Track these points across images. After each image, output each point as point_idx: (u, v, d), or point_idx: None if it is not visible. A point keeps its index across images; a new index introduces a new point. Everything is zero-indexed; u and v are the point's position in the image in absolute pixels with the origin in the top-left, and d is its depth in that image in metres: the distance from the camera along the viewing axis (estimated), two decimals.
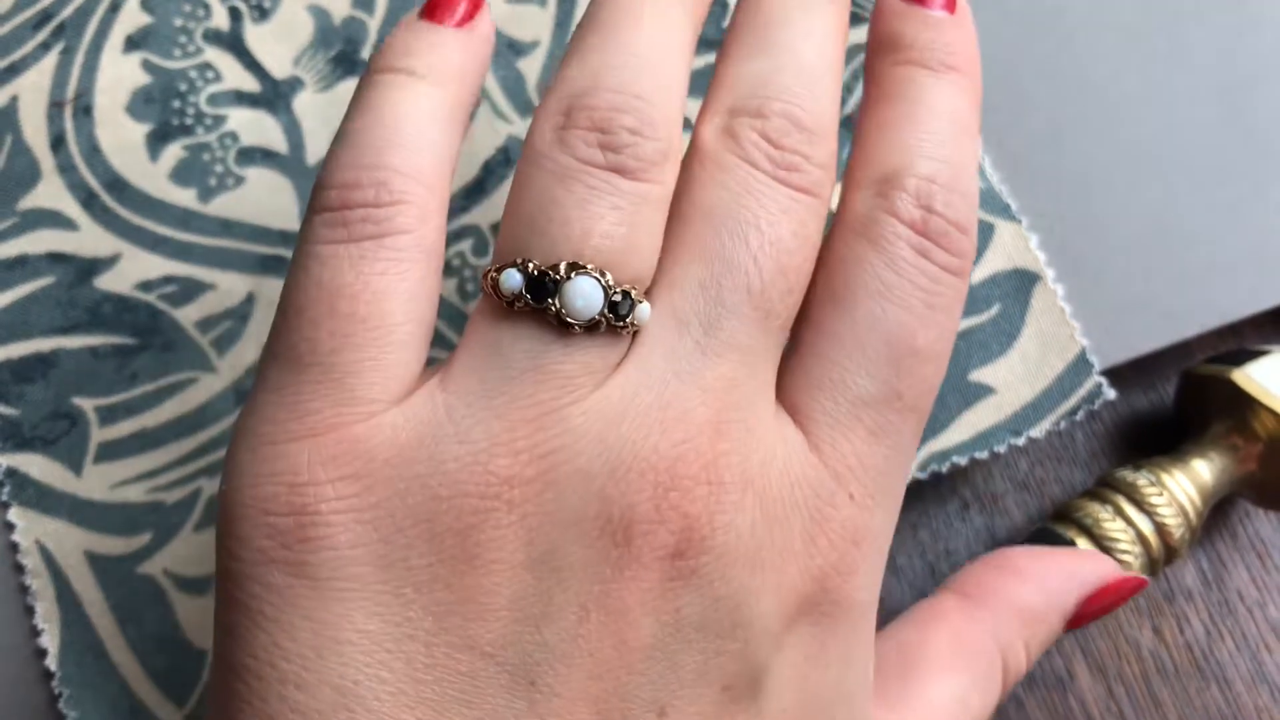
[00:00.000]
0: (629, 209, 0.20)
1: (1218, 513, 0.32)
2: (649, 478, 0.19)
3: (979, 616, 0.24)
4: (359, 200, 0.20)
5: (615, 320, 0.20)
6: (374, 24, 0.31)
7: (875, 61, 0.24)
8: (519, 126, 0.31)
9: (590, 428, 0.19)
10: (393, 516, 0.19)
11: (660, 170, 0.21)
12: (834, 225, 0.22)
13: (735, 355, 0.20)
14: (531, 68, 0.31)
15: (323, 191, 0.21)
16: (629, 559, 0.19)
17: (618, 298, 0.20)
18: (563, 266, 0.20)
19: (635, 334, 0.20)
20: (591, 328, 0.20)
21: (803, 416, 0.21)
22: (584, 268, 0.20)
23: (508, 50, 0.31)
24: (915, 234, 0.21)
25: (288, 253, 0.29)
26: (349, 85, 0.31)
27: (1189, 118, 0.32)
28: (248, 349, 0.29)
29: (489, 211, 0.30)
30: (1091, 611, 0.25)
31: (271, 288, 0.29)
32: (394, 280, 0.20)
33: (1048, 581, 0.25)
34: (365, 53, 0.31)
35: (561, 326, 0.20)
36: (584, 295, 0.19)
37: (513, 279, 0.20)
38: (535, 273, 0.20)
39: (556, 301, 0.20)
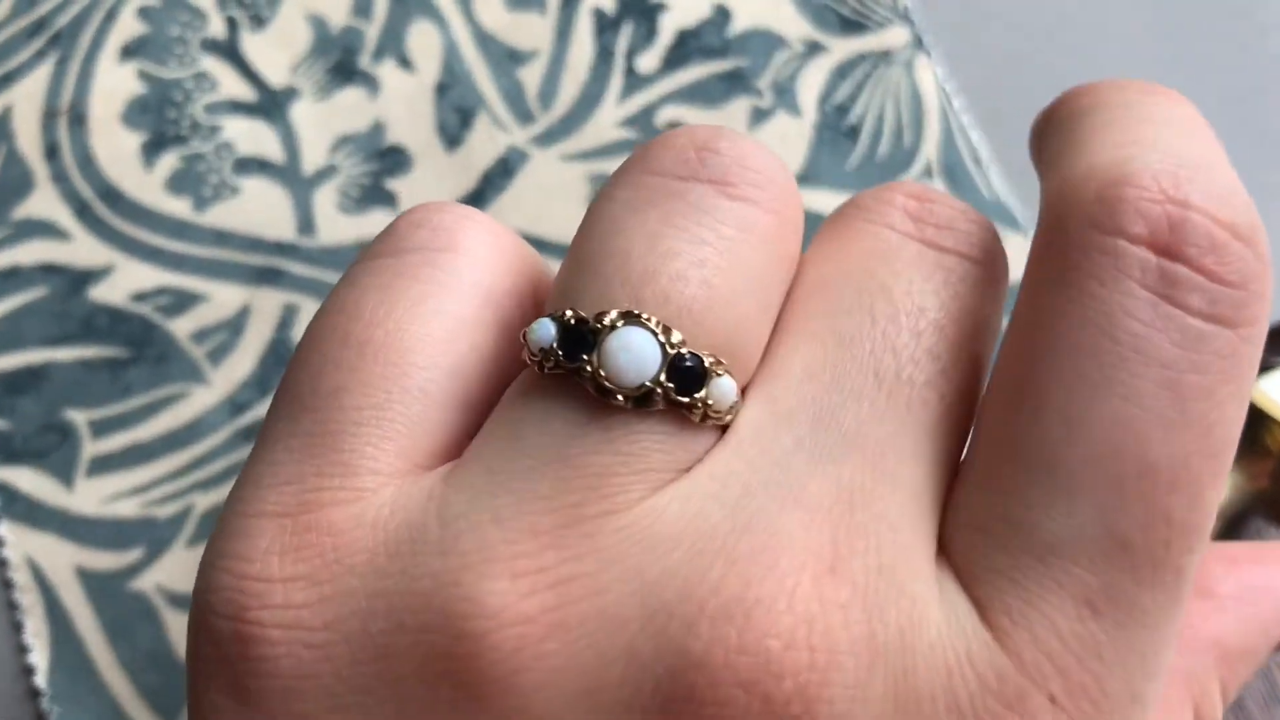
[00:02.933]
0: (719, 245, 0.15)
1: (1231, 530, 0.31)
2: (705, 632, 0.13)
3: (1172, 668, 0.17)
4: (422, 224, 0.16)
5: (678, 394, 0.14)
6: (372, 32, 0.31)
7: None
8: (518, 136, 0.30)
9: (625, 552, 0.13)
10: (349, 645, 0.14)
11: (770, 197, 0.15)
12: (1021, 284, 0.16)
13: (859, 458, 0.14)
14: (531, 77, 0.31)
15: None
16: None
17: (684, 361, 0.14)
18: (612, 314, 0.14)
19: (723, 429, 0.15)
20: (643, 402, 0.14)
21: (964, 571, 0.14)
22: (639, 316, 0.14)
23: (508, 59, 0.31)
24: (1155, 256, 0.13)
25: (283, 263, 0.29)
26: (346, 94, 0.30)
27: None
28: (241, 361, 0.28)
29: None
30: None
31: (266, 299, 0.29)
32: (428, 311, 0.15)
33: (1258, 608, 0.18)
34: (363, 61, 0.31)
35: (601, 397, 0.14)
36: (630, 349, 0.14)
37: (544, 330, 0.14)
38: (572, 321, 0.14)
39: (594, 359, 0.14)
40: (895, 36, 0.31)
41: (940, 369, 0.15)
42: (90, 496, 0.27)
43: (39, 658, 0.26)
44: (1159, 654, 0.14)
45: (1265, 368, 0.29)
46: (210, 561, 0.15)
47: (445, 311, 0.15)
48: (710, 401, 0.14)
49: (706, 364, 0.14)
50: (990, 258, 0.16)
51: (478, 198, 0.30)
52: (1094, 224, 0.14)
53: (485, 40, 0.31)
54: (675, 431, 0.14)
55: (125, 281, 0.29)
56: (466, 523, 0.14)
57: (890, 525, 0.14)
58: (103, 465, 0.28)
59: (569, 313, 0.14)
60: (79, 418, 0.28)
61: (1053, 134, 0.16)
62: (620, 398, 0.14)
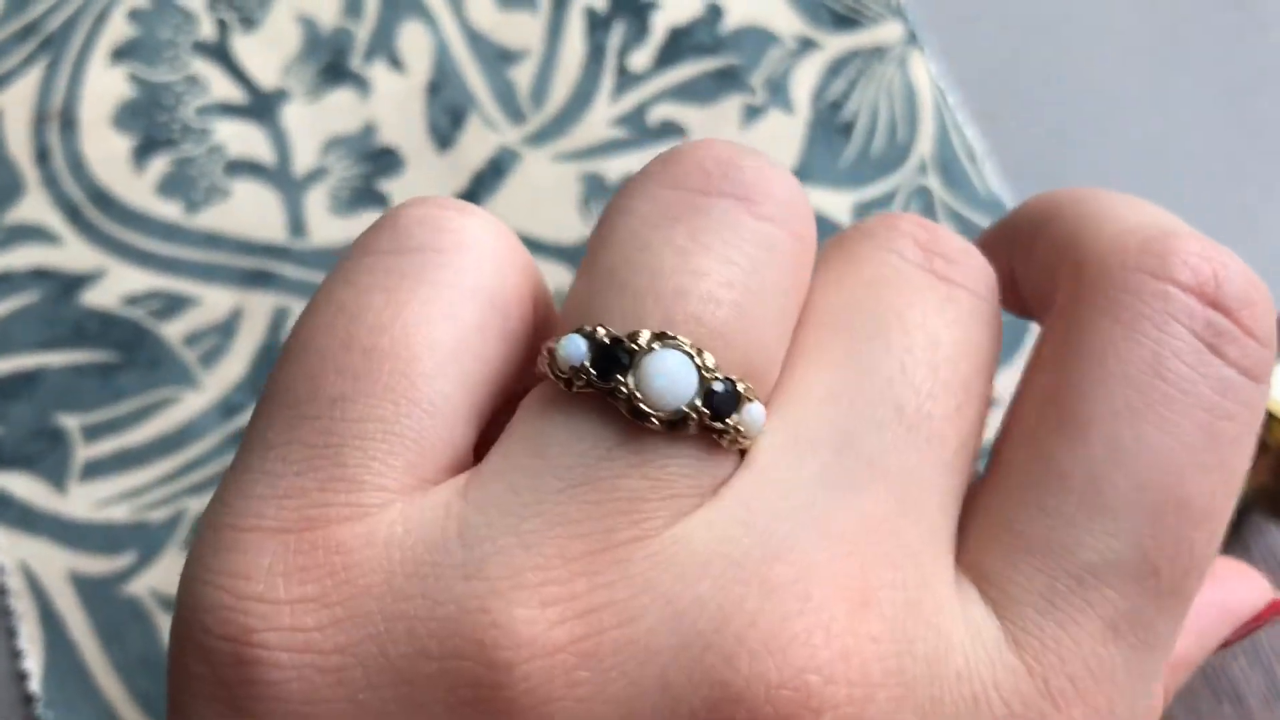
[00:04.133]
0: (746, 265, 0.14)
1: (1231, 528, 0.31)
2: (745, 666, 0.13)
3: None
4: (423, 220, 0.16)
5: (712, 419, 0.14)
6: (362, 33, 0.31)
7: None
8: (510, 136, 0.30)
9: (656, 579, 0.13)
10: (366, 670, 0.13)
11: (792, 216, 0.15)
12: (1051, 316, 0.16)
13: (882, 488, 0.14)
14: (522, 76, 0.31)
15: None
16: None
17: (719, 386, 0.14)
18: (645, 335, 0.14)
19: (742, 452, 0.14)
20: (677, 426, 0.14)
21: (997, 593, 0.14)
22: (675, 338, 0.14)
23: (498, 59, 0.31)
24: (1202, 305, 0.14)
25: (275, 266, 0.29)
26: (337, 95, 0.30)
27: (1194, 122, 0.31)
28: (233, 365, 0.28)
29: None
30: (1235, 639, 0.20)
31: (257, 302, 0.29)
32: (436, 315, 0.15)
33: (1195, 622, 0.19)
34: (353, 62, 0.30)
35: (635, 420, 0.14)
36: (668, 373, 0.14)
37: (574, 347, 0.14)
38: (607, 339, 0.14)
39: (630, 381, 0.14)
40: (889, 32, 0.31)
41: (956, 405, 0.15)
42: (83, 501, 0.27)
43: (33, 663, 0.26)
44: (1157, 676, 0.15)
45: None
46: (199, 577, 0.14)
47: (454, 317, 0.15)
48: (741, 428, 0.14)
49: (740, 389, 0.14)
50: (991, 294, 0.16)
51: (470, 198, 0.30)
52: (1145, 269, 0.14)
53: (476, 40, 0.31)
54: (703, 457, 0.14)
55: (117, 285, 0.29)
56: (493, 546, 0.13)
57: (914, 557, 0.14)
58: (95, 470, 0.27)
59: (601, 330, 0.14)
60: (71, 422, 0.28)
61: (1057, 215, 0.17)
62: (655, 421, 0.14)
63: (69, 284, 0.29)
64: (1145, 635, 0.14)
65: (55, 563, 0.27)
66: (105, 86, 0.30)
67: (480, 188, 0.30)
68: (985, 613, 0.14)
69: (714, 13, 0.31)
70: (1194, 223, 0.33)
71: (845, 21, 0.31)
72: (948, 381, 0.15)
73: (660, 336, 0.14)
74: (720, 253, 0.14)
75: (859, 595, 0.13)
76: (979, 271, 0.16)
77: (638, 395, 0.14)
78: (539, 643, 0.13)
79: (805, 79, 0.31)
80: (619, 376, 0.14)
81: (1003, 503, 0.15)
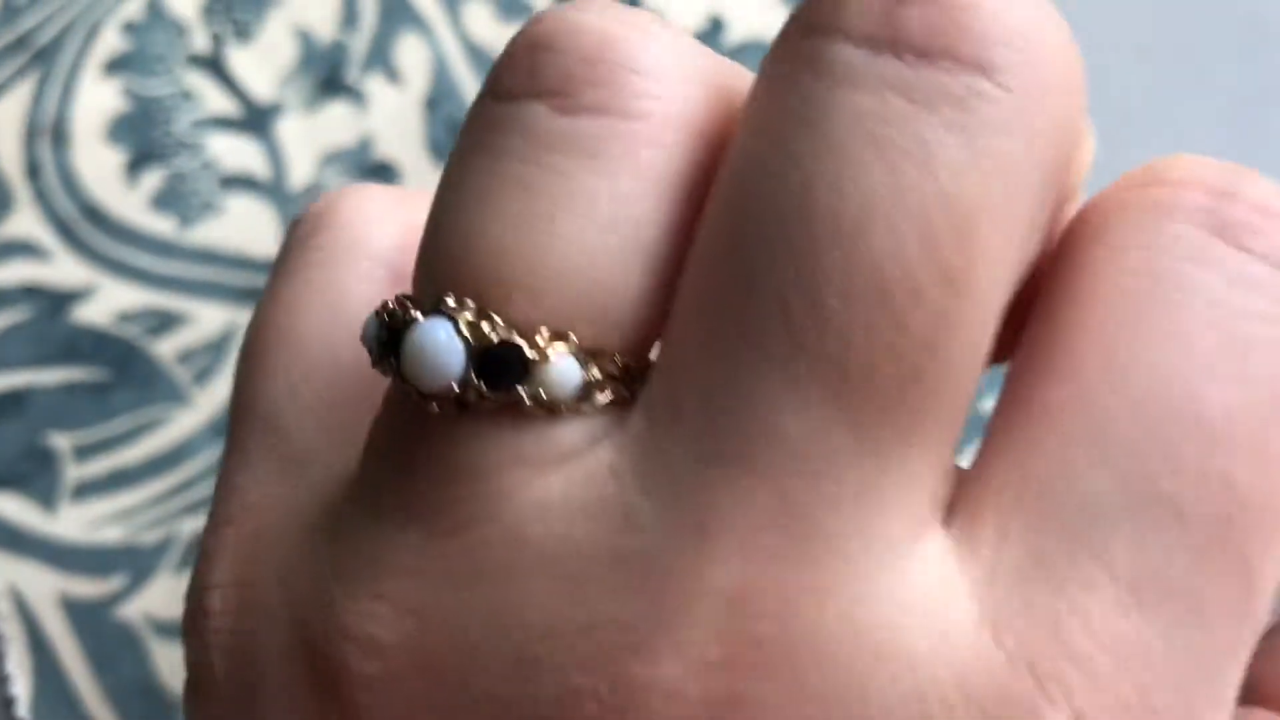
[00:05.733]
0: (554, 189, 0.11)
1: None
2: (576, 680, 0.11)
3: None
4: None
5: (492, 391, 0.12)
6: (360, 46, 0.30)
7: None
8: None
9: (481, 579, 0.12)
10: (261, 649, 0.13)
11: (638, 94, 0.12)
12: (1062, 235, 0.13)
13: (777, 460, 0.11)
14: None
15: None
16: None
17: (495, 352, 0.11)
18: (421, 307, 0.12)
19: (599, 407, 0.12)
20: (464, 406, 0.12)
21: (976, 549, 0.11)
22: (444, 304, 0.12)
23: None
24: (1208, 198, 0.12)
25: None
26: (333, 108, 0.30)
27: (1203, 136, 0.31)
28: (226, 384, 0.28)
29: None
30: None
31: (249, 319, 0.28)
32: (311, 297, 0.15)
33: None
34: (350, 75, 0.30)
35: (424, 402, 0.12)
36: (424, 347, 0.12)
37: (367, 326, 0.13)
38: (385, 317, 0.12)
39: (398, 362, 0.12)
40: None
41: (892, 320, 0.11)
42: (74, 522, 0.27)
43: (21, 689, 0.26)
44: (1224, 671, 0.11)
45: None
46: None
47: (326, 285, 0.15)
48: (543, 393, 0.11)
49: (527, 351, 0.11)
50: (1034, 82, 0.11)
51: None
52: (1144, 184, 0.12)
53: (475, 53, 0.30)
54: (517, 431, 0.12)
55: (109, 302, 0.28)
56: (350, 541, 0.12)
57: (827, 544, 0.11)
58: (86, 490, 0.27)
59: (390, 304, 0.12)
60: (62, 442, 0.27)
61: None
62: (435, 406, 0.12)
63: (60, 301, 0.28)
64: (1186, 604, 0.10)
65: (45, 585, 0.26)
66: (97, 100, 0.30)
67: None
68: (953, 589, 0.11)
69: (716, 27, 0.31)
70: None
71: None
72: (883, 284, 0.11)
73: (434, 307, 0.12)
74: (522, 180, 0.12)
75: (729, 599, 0.11)
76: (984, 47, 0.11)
77: (407, 379, 0.12)
78: (370, 643, 0.12)
79: None
80: (391, 359, 0.12)
81: (981, 457, 0.12)
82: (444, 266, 0.12)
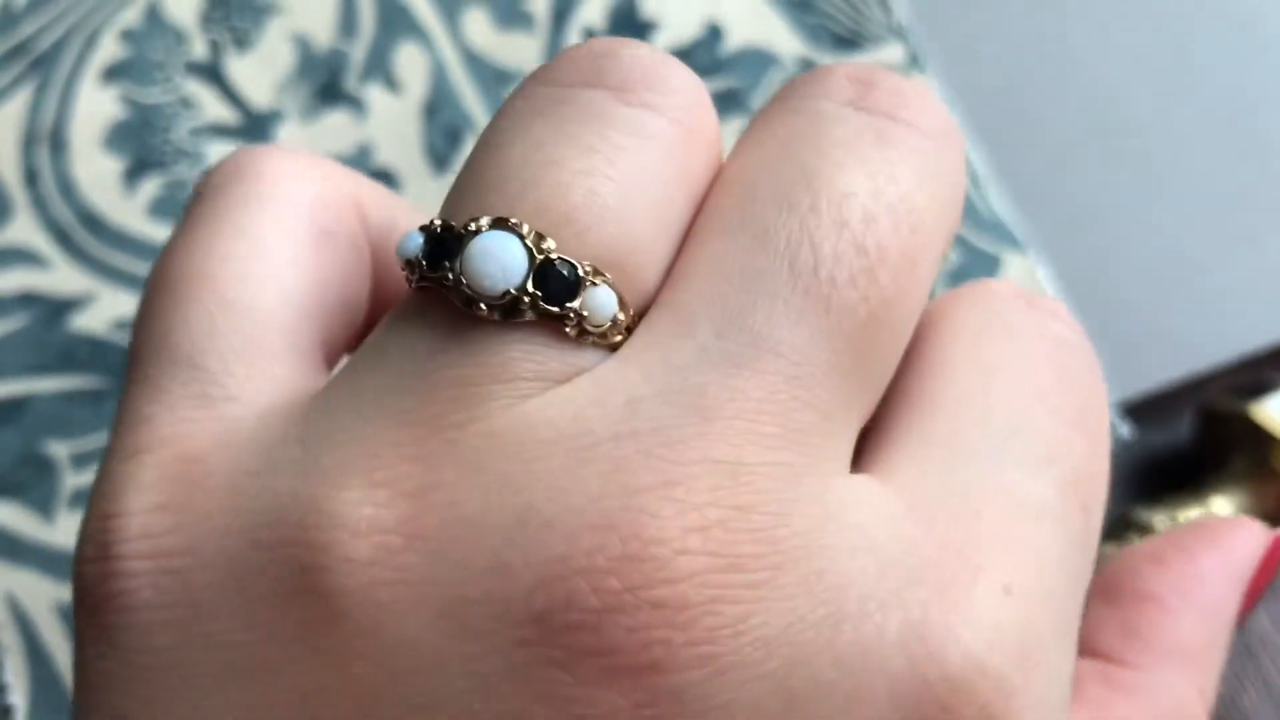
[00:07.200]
0: (609, 153, 0.14)
1: None
2: (584, 540, 0.12)
3: (1134, 689, 0.16)
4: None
5: (546, 302, 0.13)
6: (358, 53, 0.30)
7: None
8: None
9: (489, 459, 0.12)
10: (205, 569, 0.13)
11: (674, 106, 0.14)
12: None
13: (771, 363, 0.13)
14: None
15: None
16: (542, 671, 0.12)
17: (558, 268, 0.13)
18: (483, 222, 0.13)
19: (610, 346, 0.14)
20: (511, 312, 0.13)
21: (892, 472, 0.14)
22: (511, 223, 0.13)
23: (496, 80, 0.30)
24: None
25: None
26: (332, 117, 0.30)
27: (1201, 142, 0.31)
28: None
29: None
30: (1251, 602, 0.18)
31: None
32: (225, 234, 0.15)
33: (1203, 597, 0.17)
34: (349, 83, 0.30)
35: (466, 308, 0.13)
36: (491, 254, 0.13)
37: (410, 241, 0.14)
38: (439, 229, 0.14)
39: (456, 266, 0.13)
40: (890, 54, 0.31)
41: (867, 268, 0.13)
42: (71, 531, 0.27)
43: (18, 698, 0.26)
44: (1082, 585, 0.14)
45: (1269, 388, 0.29)
46: (85, 518, 0.14)
47: (243, 233, 0.15)
48: (585, 313, 0.13)
49: (581, 273, 0.13)
50: (946, 137, 0.15)
51: None
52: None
53: (474, 60, 0.30)
54: (548, 344, 0.13)
55: (107, 310, 0.28)
56: (329, 441, 0.13)
57: (801, 438, 0.13)
58: (84, 498, 0.27)
59: (437, 222, 0.14)
60: (60, 450, 0.27)
61: None
62: (484, 308, 0.13)
63: (58, 308, 0.28)
64: (1061, 521, 0.14)
65: (42, 594, 0.26)
66: (96, 108, 0.30)
67: None
68: (874, 486, 0.13)
69: (714, 34, 0.31)
70: (1198, 243, 0.33)
71: (846, 43, 0.31)
72: (860, 241, 0.13)
73: (497, 222, 0.13)
74: (581, 142, 0.14)
75: (727, 470, 0.12)
76: (930, 108, 0.15)
77: (463, 280, 0.13)
78: (363, 523, 0.12)
79: None
80: (445, 263, 0.13)
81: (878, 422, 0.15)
82: (498, 198, 0.14)
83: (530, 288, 0.13)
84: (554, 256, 0.13)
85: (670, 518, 0.12)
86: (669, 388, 0.13)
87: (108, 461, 0.15)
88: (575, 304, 0.13)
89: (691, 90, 0.15)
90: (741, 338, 0.13)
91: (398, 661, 0.12)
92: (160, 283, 0.15)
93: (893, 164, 0.14)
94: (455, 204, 0.14)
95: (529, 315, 0.13)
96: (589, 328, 0.13)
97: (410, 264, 0.14)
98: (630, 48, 0.15)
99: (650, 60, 0.15)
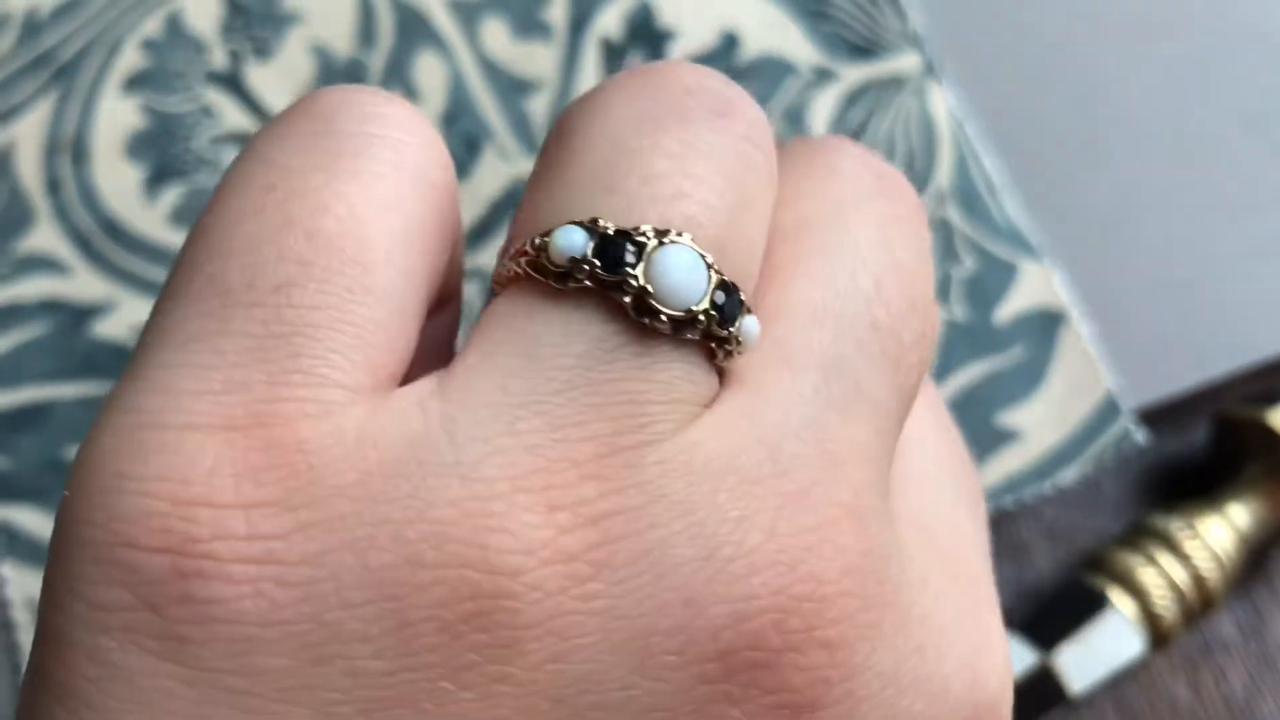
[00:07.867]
0: (733, 176, 0.14)
1: (1255, 562, 0.30)
2: (771, 578, 0.12)
3: None
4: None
5: (719, 325, 0.13)
6: (377, 63, 0.31)
7: None
8: (524, 167, 0.30)
9: (669, 486, 0.12)
10: (340, 584, 0.11)
11: (762, 134, 0.15)
12: None
13: (868, 414, 0.14)
14: (538, 108, 0.30)
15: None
16: (718, 707, 0.12)
17: (724, 292, 0.13)
18: (649, 230, 0.13)
19: (728, 367, 0.14)
20: (682, 328, 0.13)
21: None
22: (681, 236, 0.13)
23: (514, 90, 0.31)
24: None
25: None
26: None
27: (1217, 151, 0.31)
28: None
29: (495, 255, 0.29)
30: None
31: None
32: (381, 200, 0.13)
33: None
34: None
35: (642, 318, 0.13)
36: (683, 270, 0.13)
37: (572, 238, 0.13)
38: (611, 231, 0.13)
39: (640, 274, 0.13)
40: (906, 62, 0.31)
41: (920, 330, 0.15)
42: None
43: None
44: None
45: None
46: (114, 486, 0.12)
47: (398, 204, 0.13)
48: (740, 338, 0.13)
49: (742, 298, 0.13)
50: (919, 203, 0.16)
51: (489, 227, 0.29)
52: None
53: (492, 70, 0.31)
54: (700, 364, 0.13)
55: (128, 316, 0.28)
56: (489, 446, 0.12)
57: (884, 483, 0.14)
58: None
59: (603, 222, 0.13)
60: None
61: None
62: (664, 319, 0.13)
63: (79, 315, 0.28)
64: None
65: None
66: (117, 117, 0.30)
67: (498, 216, 0.29)
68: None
69: (730, 43, 0.31)
70: (1214, 250, 0.33)
71: (862, 52, 0.31)
72: (914, 302, 0.15)
73: (663, 234, 0.13)
74: (713, 163, 0.14)
75: (856, 515, 0.13)
76: (914, 194, 0.16)
77: (649, 290, 0.13)
78: (549, 550, 0.11)
79: (823, 109, 0.30)
80: (629, 269, 0.13)
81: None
82: (649, 208, 0.13)
83: (708, 307, 0.13)
84: (728, 280, 0.13)
85: (830, 558, 0.12)
86: (802, 428, 0.13)
87: (156, 417, 0.12)
88: (735, 328, 0.13)
89: (765, 120, 0.15)
90: (846, 386, 0.14)
91: (580, 696, 0.12)
92: (281, 219, 0.13)
93: (913, 239, 0.16)
94: (591, 205, 0.13)
95: (697, 334, 0.13)
96: (735, 351, 0.13)
97: (573, 262, 0.13)
98: (719, 80, 0.15)
99: (736, 89, 0.15)
